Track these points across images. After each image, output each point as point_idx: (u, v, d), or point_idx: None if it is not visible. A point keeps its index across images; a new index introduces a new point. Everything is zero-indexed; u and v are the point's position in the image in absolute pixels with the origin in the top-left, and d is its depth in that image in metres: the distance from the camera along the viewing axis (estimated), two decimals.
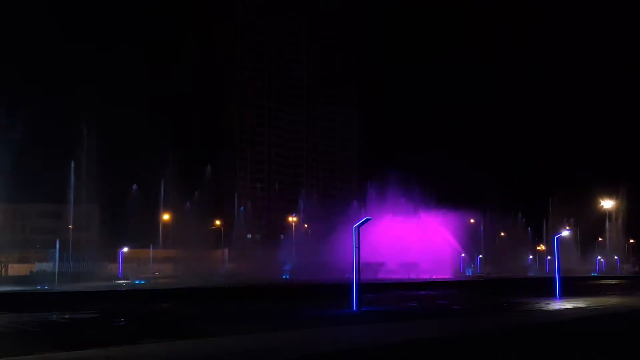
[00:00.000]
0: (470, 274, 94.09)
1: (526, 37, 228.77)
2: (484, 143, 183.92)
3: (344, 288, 33.94)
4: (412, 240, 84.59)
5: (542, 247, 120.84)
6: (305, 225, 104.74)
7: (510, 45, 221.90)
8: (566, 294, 39.37)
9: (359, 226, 29.45)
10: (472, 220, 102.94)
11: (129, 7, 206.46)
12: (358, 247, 28.99)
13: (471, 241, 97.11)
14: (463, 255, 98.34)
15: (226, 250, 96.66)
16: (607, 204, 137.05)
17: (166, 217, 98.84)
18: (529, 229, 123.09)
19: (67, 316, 28.43)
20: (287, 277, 77.41)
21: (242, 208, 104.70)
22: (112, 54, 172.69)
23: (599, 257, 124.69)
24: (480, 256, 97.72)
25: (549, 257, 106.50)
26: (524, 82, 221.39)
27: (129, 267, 73.65)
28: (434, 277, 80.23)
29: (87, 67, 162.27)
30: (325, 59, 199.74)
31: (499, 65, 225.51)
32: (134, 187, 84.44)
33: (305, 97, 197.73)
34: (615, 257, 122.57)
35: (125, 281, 62.59)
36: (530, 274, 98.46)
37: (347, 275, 49.30)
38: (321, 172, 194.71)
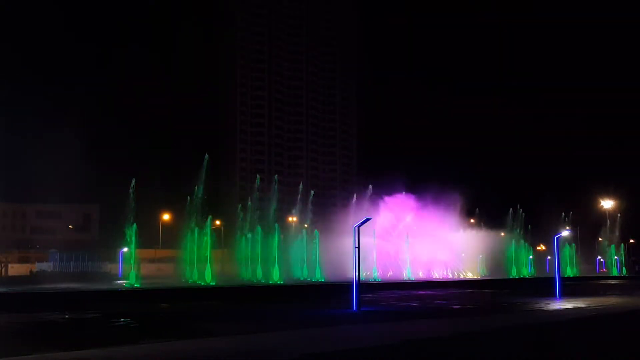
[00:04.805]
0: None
1: (524, 39, 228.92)
2: (482, 143, 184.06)
3: (344, 288, 33.95)
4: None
5: (542, 247, 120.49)
6: (306, 225, 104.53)
7: (508, 44, 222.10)
8: (566, 294, 39.41)
9: (359, 226, 29.43)
10: (472, 220, 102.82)
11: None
12: (358, 247, 28.99)
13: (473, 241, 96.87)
14: (463, 255, 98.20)
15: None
16: (607, 204, 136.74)
17: (166, 217, 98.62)
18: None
19: (67, 316, 28.43)
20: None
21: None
22: (112, 53, 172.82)
23: (599, 258, 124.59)
24: (481, 256, 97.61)
25: (548, 257, 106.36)
26: (524, 84, 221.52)
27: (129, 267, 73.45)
28: (434, 277, 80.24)
29: (85, 64, 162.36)
30: (326, 59, 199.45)
31: (499, 63, 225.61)
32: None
33: (305, 96, 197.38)
34: (615, 257, 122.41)
35: (125, 281, 62.53)
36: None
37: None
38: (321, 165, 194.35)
